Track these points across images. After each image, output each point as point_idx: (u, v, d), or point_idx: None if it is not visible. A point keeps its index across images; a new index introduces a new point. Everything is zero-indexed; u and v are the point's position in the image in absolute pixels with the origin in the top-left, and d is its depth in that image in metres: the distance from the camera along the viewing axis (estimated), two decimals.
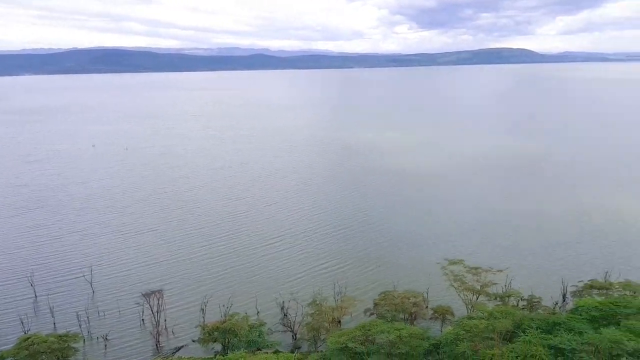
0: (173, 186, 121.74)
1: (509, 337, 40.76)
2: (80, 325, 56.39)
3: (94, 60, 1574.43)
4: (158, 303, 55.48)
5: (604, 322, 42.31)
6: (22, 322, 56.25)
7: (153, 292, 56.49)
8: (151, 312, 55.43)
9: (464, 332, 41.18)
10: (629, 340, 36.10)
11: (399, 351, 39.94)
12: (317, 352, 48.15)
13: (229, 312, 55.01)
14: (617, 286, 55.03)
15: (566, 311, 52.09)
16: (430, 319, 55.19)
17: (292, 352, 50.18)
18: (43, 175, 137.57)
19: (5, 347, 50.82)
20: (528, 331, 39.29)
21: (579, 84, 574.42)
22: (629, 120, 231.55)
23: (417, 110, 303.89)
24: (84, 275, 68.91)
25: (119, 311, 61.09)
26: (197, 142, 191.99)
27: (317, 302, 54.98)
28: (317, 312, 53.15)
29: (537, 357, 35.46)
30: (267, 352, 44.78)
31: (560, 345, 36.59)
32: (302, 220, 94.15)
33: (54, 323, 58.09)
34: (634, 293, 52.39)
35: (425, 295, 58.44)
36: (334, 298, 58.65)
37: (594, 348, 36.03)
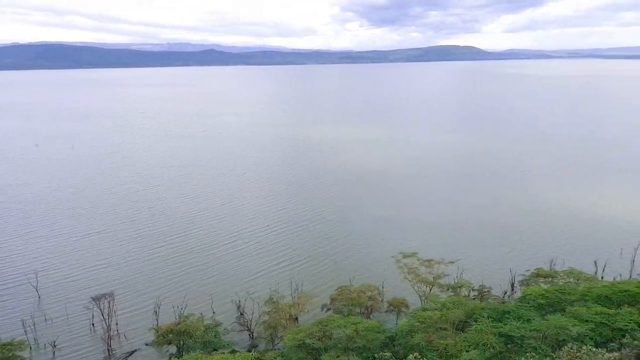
0: (123, 186, 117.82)
1: (461, 326, 41.91)
2: (26, 333, 53.60)
3: (36, 56, 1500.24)
4: (109, 306, 53.55)
5: (551, 309, 44.20)
6: None
7: (103, 296, 54.47)
8: (102, 316, 53.46)
9: (418, 323, 42.04)
10: (573, 325, 37.85)
11: (355, 345, 40.26)
12: (275, 350, 47.87)
13: (183, 313, 53.83)
14: (561, 274, 57.69)
15: (515, 300, 54.10)
16: (386, 311, 55.99)
17: (249, 351, 49.68)
18: None
19: None
20: (479, 320, 40.51)
21: (523, 80, 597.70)
22: (571, 116, 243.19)
23: (370, 107, 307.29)
24: (28, 281, 65.52)
25: (68, 316, 58.60)
26: (148, 141, 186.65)
27: (274, 300, 54.65)
28: (274, 310, 52.81)
29: (489, 345, 36.62)
30: (223, 353, 44.03)
31: (510, 333, 37.92)
32: (258, 219, 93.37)
33: None
34: (578, 280, 55.09)
35: (380, 288, 59.22)
36: (291, 295, 58.53)
37: (541, 334, 37.57)
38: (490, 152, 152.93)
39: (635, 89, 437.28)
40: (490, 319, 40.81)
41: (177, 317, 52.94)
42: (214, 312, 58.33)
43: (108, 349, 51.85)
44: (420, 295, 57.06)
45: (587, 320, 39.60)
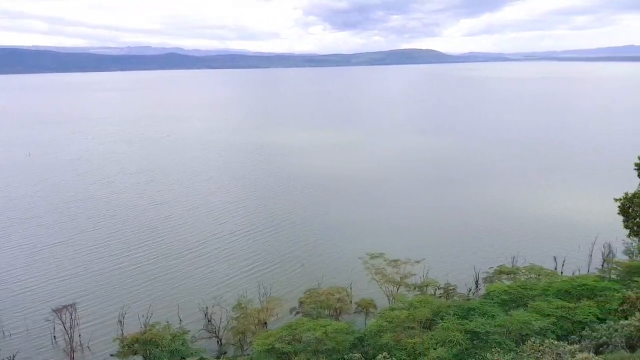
0: (84, 194, 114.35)
1: (428, 325, 42.52)
2: None
3: None
4: (71, 318, 51.86)
5: (514, 304, 45.36)
6: None
7: (65, 307, 52.71)
8: (63, 329, 51.67)
9: (386, 323, 42.43)
10: (535, 320, 38.99)
11: (325, 347, 40.30)
12: (244, 355, 47.46)
13: (149, 322, 52.62)
14: (523, 270, 59.40)
15: (479, 297, 55.34)
16: (355, 312, 56.33)
17: (218, 357, 49.16)
18: None
19: None
20: (446, 318, 41.20)
21: (483, 82, 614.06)
22: (529, 117, 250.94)
23: (335, 111, 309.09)
24: None
25: (27, 330, 56.41)
26: (109, 147, 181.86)
27: (242, 305, 54.18)
28: (242, 315, 52.36)
29: (455, 342, 37.30)
30: None
31: (476, 329, 38.71)
32: (225, 224, 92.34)
33: None
34: (538, 276, 56.86)
35: (349, 290, 59.56)
36: (260, 300, 58.12)
37: (505, 329, 38.52)
38: (453, 154, 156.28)
39: (588, 90, 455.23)
40: (456, 316, 41.56)
41: (142, 327, 51.67)
42: (180, 320, 57.29)
43: None
44: (387, 295, 57.66)
45: (548, 315, 40.84)
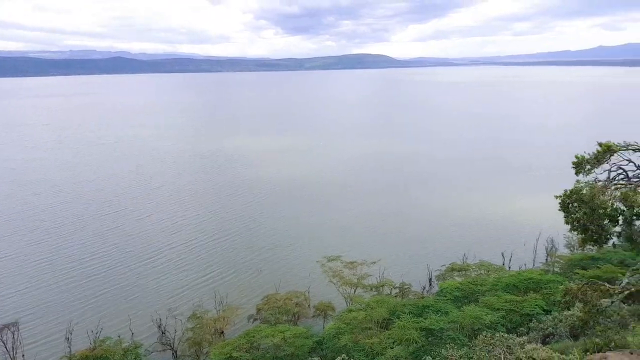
0: (26, 205, 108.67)
1: (385, 324, 43.29)
2: None
3: None
4: (13, 338, 49.25)
5: (465, 300, 46.92)
6: None
7: (6, 326, 50.04)
8: (5, 349, 48.99)
9: (344, 325, 42.90)
10: (486, 314, 40.57)
11: (284, 353, 40.29)
12: None
13: (99, 337, 50.74)
14: (473, 267, 61.56)
15: (433, 294, 56.82)
16: (313, 316, 56.49)
17: None
18: None
19: None
20: (402, 317, 42.12)
21: (432, 86, 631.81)
22: (475, 119, 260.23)
23: (288, 115, 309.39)
24: None
25: None
26: (53, 154, 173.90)
27: (198, 315, 53.25)
28: (198, 326, 51.43)
29: (411, 340, 38.22)
30: None
31: (431, 327, 39.82)
32: (177, 233, 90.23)
33: None
34: (488, 271, 59.06)
35: (307, 294, 59.67)
36: (216, 309, 57.27)
37: (458, 325, 39.81)
38: (405, 158, 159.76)
39: (530, 93, 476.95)
40: (411, 315, 42.57)
41: (92, 343, 49.79)
42: (133, 334, 55.56)
43: None
44: (345, 297, 58.20)
45: (498, 309, 42.57)
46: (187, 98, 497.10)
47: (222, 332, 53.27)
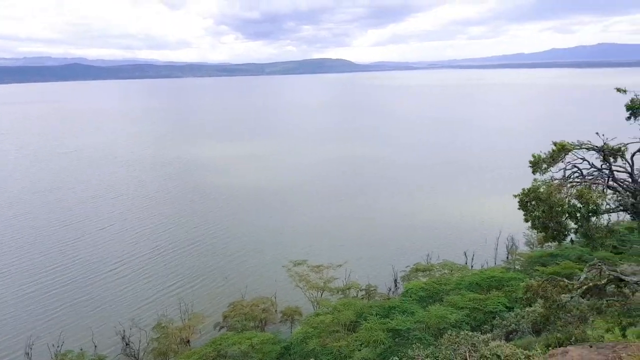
0: None
1: (352, 327, 43.39)
2: None
3: None
4: None
5: (430, 300, 47.57)
6: None
7: None
8: None
9: (312, 329, 42.73)
10: (451, 313, 41.22)
11: None
12: None
13: (60, 351, 48.87)
14: (437, 267, 62.58)
15: (398, 295, 57.41)
16: (280, 322, 56.16)
17: None
18: None
19: None
20: (369, 318, 42.32)
21: (392, 90, 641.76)
22: (429, 122, 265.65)
23: (250, 120, 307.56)
24: None
25: None
26: (10, 164, 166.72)
27: (163, 325, 52.02)
28: (163, 335, 50.25)
29: (379, 341, 38.41)
30: None
31: (397, 327, 40.13)
32: (140, 242, 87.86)
33: None
34: (451, 271, 60.14)
35: (273, 299, 59.26)
36: (181, 317, 56.10)
37: (424, 325, 40.29)
38: (366, 162, 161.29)
39: (487, 96, 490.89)
40: (378, 316, 42.82)
41: (53, 357, 47.91)
42: (96, 346, 53.76)
43: None
44: (312, 301, 58.07)
45: (462, 307, 43.33)
46: (147, 104, 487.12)
47: (188, 341, 52.24)
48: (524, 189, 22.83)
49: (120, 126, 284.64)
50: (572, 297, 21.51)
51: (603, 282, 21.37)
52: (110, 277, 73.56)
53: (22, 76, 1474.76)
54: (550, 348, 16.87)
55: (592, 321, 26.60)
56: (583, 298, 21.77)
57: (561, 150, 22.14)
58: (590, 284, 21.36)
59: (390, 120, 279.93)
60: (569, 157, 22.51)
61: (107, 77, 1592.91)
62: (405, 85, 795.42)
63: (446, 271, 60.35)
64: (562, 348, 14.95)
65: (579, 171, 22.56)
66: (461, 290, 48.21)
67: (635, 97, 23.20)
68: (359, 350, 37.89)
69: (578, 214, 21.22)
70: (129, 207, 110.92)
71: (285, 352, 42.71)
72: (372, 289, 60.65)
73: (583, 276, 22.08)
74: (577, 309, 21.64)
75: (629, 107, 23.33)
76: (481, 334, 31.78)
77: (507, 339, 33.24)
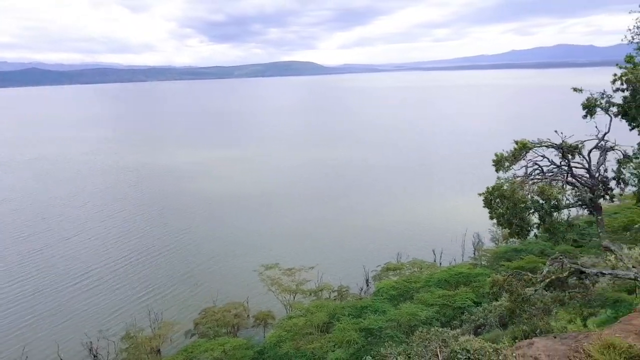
0: None
1: (325, 328, 43.60)
2: None
3: None
4: None
5: (401, 298, 48.30)
6: None
7: None
8: None
9: (285, 332, 42.72)
10: (422, 310, 41.99)
11: None
12: None
13: None
14: (407, 265, 63.54)
15: (370, 295, 57.96)
16: (253, 326, 55.84)
17: None
18: None
19: None
20: (342, 319, 42.61)
21: (361, 92, 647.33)
22: (402, 123, 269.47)
23: (219, 124, 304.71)
24: None
25: None
26: None
27: (132, 335, 50.92)
28: (133, 346, 49.20)
29: (352, 341, 38.71)
30: None
31: (370, 327, 40.57)
32: (107, 252, 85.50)
33: None
34: (421, 269, 61.17)
35: (246, 304, 58.88)
36: (151, 327, 55.06)
37: (396, 323, 40.87)
38: (336, 165, 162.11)
39: (452, 97, 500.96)
40: (350, 316, 43.17)
41: None
42: (61, 359, 52.14)
43: None
44: (285, 305, 57.99)
45: (432, 304, 44.18)
46: (109, 110, 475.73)
47: (159, 350, 51.34)
48: (488, 188, 23.52)
49: (82, 133, 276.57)
50: (536, 290, 22.28)
51: (565, 274, 22.20)
52: (76, 288, 71.43)
53: None
54: (516, 340, 17.45)
55: (556, 313, 27.60)
56: (546, 291, 22.58)
57: (522, 149, 22.95)
58: (553, 277, 22.17)
59: (359, 123, 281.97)
60: (530, 155, 23.38)
61: (66, 82, 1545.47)
62: (372, 87, 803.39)
63: (416, 269, 61.30)
64: (527, 340, 15.49)
65: (539, 168, 23.43)
66: (431, 288, 49.12)
67: (590, 96, 24.25)
68: (333, 351, 38.11)
69: (540, 210, 22.01)
70: (94, 215, 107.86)
71: (259, 356, 42.53)
72: (344, 289, 60.98)
73: (546, 269, 22.89)
74: (541, 301, 22.44)
75: (585, 106, 24.38)
76: (451, 329, 32.47)
77: (476, 333, 34.08)
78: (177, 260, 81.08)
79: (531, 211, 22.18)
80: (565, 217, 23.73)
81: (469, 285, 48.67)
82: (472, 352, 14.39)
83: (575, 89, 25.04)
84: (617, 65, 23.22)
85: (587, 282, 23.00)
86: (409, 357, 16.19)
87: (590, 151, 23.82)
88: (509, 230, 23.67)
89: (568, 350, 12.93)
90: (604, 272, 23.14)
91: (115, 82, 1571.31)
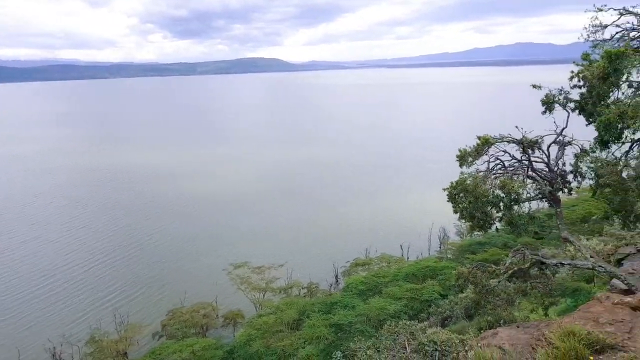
0: None
1: (296, 325, 43.69)
2: None
3: None
4: None
5: (370, 293, 48.88)
6: None
7: None
8: None
9: (255, 331, 42.59)
10: (390, 304, 42.62)
11: None
12: None
13: None
14: (375, 260, 64.36)
15: (339, 290, 58.37)
16: (222, 326, 55.36)
17: None
18: None
19: None
20: (311, 315, 42.78)
21: (326, 89, 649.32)
22: (367, 120, 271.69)
23: (186, 122, 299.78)
24: None
25: None
26: None
27: (97, 339, 49.70)
28: (98, 349, 48.05)
29: (322, 336, 38.94)
30: None
31: (339, 322, 40.90)
32: (71, 254, 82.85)
33: None
34: (389, 263, 62.02)
35: (214, 304, 58.27)
36: (117, 329, 53.84)
37: (365, 318, 41.34)
38: (305, 163, 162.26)
39: (416, 94, 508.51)
40: (320, 312, 43.39)
41: None
42: None
43: None
44: (254, 303, 57.74)
45: (400, 298, 44.92)
46: (70, 108, 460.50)
47: (125, 353, 50.29)
48: (452, 182, 24.05)
49: (43, 132, 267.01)
50: (499, 282, 22.94)
51: (527, 265, 22.95)
52: (37, 292, 69.02)
53: None
54: (482, 331, 17.94)
55: (519, 303, 28.52)
56: (509, 282, 23.28)
57: (485, 144, 23.55)
58: (515, 268, 22.88)
59: (326, 120, 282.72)
60: (492, 150, 24.00)
61: (24, 79, 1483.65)
62: (337, 84, 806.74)
63: (384, 264, 62.10)
64: (492, 330, 15.95)
65: (501, 163, 24.09)
66: (399, 282, 49.90)
67: (549, 92, 25.08)
68: (303, 347, 38.24)
69: (501, 204, 22.66)
70: (58, 216, 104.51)
71: (229, 356, 42.26)
72: (313, 286, 61.20)
73: (508, 261, 23.60)
74: (505, 292, 23.09)
75: (544, 102, 25.20)
76: (419, 322, 33.11)
77: (443, 325, 34.85)
78: (144, 261, 79.46)
79: (491, 206, 22.80)
80: (527, 210, 24.49)
81: (436, 278, 49.68)
82: (439, 343, 14.69)
83: (534, 86, 25.86)
84: (574, 62, 24.07)
85: (548, 272, 23.82)
86: (378, 350, 16.40)
87: (549, 146, 24.61)
88: (471, 224, 24.28)
89: (530, 338, 13.39)
90: (563, 262, 24.08)
91: (76, 79, 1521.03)
